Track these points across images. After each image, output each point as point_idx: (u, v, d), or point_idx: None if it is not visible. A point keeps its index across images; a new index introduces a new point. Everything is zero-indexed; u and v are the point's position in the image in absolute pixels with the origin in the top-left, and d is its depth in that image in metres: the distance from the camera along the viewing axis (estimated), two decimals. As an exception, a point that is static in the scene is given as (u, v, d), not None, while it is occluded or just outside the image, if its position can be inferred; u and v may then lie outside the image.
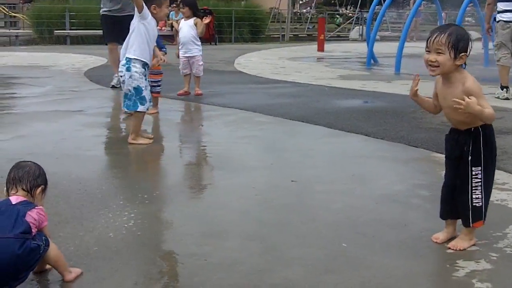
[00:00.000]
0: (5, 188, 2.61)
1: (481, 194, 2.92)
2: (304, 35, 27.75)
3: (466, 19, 17.51)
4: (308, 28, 29.57)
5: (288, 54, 15.88)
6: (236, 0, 28.94)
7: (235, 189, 3.96)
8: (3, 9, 29.86)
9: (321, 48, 17.48)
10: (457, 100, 2.71)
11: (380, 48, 15.01)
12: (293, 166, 4.59)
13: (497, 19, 8.31)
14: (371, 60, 13.07)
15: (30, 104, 7.34)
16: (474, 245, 3.02)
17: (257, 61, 14.14)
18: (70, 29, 20.25)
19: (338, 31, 28.73)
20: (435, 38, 2.80)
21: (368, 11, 16.36)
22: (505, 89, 8.06)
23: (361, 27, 25.03)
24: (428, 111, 3.16)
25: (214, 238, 3.11)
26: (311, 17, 30.79)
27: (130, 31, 5.22)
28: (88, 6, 20.01)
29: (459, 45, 2.77)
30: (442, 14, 17.85)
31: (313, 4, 35.08)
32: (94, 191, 3.81)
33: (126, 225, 3.22)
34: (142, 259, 2.84)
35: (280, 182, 4.15)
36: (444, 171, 3.15)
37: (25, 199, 2.53)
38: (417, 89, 2.98)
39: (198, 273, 2.68)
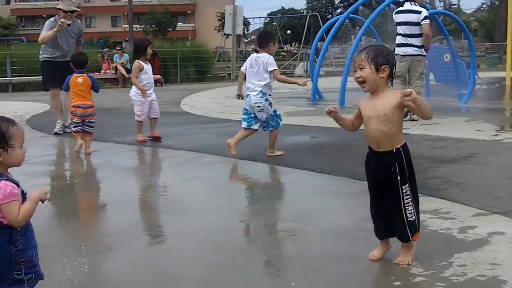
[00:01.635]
0: None
1: (413, 209, 3.12)
2: (250, 73, 28.05)
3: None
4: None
5: (234, 93, 15.89)
6: (181, 41, 29.18)
7: (183, 233, 3.93)
8: None
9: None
10: (405, 90, 2.96)
11: (325, 83, 15.30)
12: (241, 206, 4.59)
13: (395, 52, 8.87)
14: (316, 95, 13.27)
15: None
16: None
17: (203, 100, 14.19)
18: (12, 76, 19.95)
19: (283, 68, 29.17)
20: (357, 57, 3.08)
21: (311, 48, 16.69)
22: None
23: (305, 63, 25.48)
24: (345, 128, 3.40)
25: (164, 285, 3.07)
26: (256, 55, 31.18)
27: (257, 68, 6.37)
28: (29, 52, 19.80)
29: (378, 59, 3.01)
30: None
31: (257, 43, 35.52)
32: (38, 241, 3.70)
33: (71, 275, 3.14)
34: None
35: (228, 223, 4.14)
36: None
37: None
38: (334, 110, 3.18)
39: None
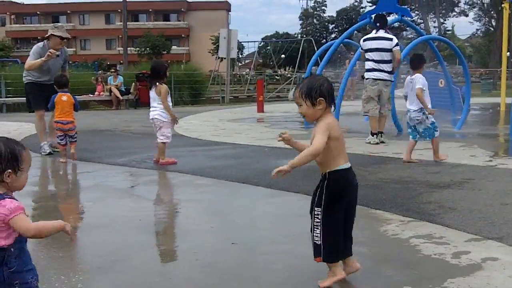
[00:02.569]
0: None
1: (320, 233, 3.16)
2: (244, 97, 28.20)
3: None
4: (248, 89, 30.04)
5: (228, 116, 16.05)
6: (176, 64, 29.27)
7: (176, 255, 3.91)
8: None
9: (260, 109, 17.73)
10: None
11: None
12: (234, 228, 4.57)
13: (366, 77, 9.70)
14: (310, 119, 13.27)
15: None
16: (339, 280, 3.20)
17: (197, 123, 14.19)
18: (6, 97, 19.93)
19: (277, 92, 29.33)
20: (293, 94, 3.20)
21: (305, 72, 16.80)
22: (374, 136, 9.44)
23: (299, 87, 25.59)
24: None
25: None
26: (250, 79, 31.33)
27: (411, 86, 7.45)
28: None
29: (312, 93, 3.10)
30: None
31: (252, 66, 35.78)
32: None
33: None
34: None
35: (221, 245, 4.11)
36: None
37: None
38: (286, 137, 3.25)
39: None
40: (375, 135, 9.46)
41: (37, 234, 2.35)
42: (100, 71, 29.99)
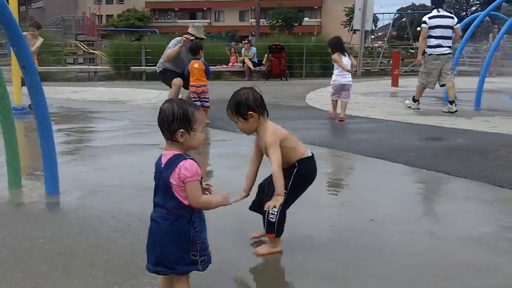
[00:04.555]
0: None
1: (277, 212, 3.25)
2: (376, 70, 27.48)
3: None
4: (381, 62, 29.27)
5: (360, 89, 15.67)
6: (307, 36, 29.13)
7: (311, 226, 3.86)
8: (83, 46, 31.26)
9: (395, 83, 17.21)
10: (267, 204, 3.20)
11: (457, 83, 14.61)
12: (370, 205, 4.45)
13: (428, 52, 10.40)
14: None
15: (109, 137, 7.52)
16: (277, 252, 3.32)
17: (329, 96, 14.01)
18: (146, 66, 20.89)
19: (412, 66, 28.33)
20: (227, 113, 3.27)
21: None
22: (417, 102, 10.85)
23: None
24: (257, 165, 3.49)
25: (289, 275, 3.05)
26: (383, 52, 30.47)
27: None
28: (162, 44, 20.56)
29: (240, 110, 3.19)
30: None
31: (386, 39, 34.79)
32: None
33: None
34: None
35: (358, 221, 4.02)
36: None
37: (173, 152, 2.41)
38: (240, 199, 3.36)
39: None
40: (417, 102, 10.86)
41: (203, 207, 2.44)
42: (233, 42, 30.50)
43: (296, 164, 3.32)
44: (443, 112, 10.15)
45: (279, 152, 3.19)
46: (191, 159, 2.40)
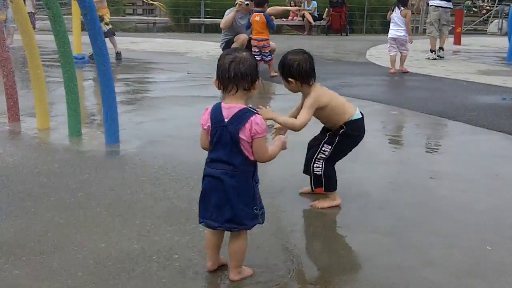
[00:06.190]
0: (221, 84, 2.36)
1: (322, 165, 3.35)
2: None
3: None
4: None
5: (421, 47, 15.23)
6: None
7: (369, 182, 3.85)
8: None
9: (457, 41, 16.68)
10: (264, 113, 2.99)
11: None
12: (430, 163, 4.39)
13: (429, 4, 12.01)
14: (512, 55, 12.27)
15: (167, 88, 7.62)
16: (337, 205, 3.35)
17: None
18: (205, 18, 20.87)
19: (475, 25, 27.35)
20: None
21: (509, 4, 15.38)
22: (433, 52, 11.85)
23: (500, 20, 23.56)
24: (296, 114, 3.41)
25: (346, 230, 3.07)
26: (447, 9, 29.46)
27: None
28: (221, -4, 20.51)
29: (284, 74, 3.22)
30: None
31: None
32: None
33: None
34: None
35: (418, 178, 3.98)
36: None
37: (240, 106, 2.32)
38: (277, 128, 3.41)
39: (333, 265, 2.62)
40: (433, 52, 11.83)
41: (269, 160, 2.41)
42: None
43: (343, 125, 3.32)
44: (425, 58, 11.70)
45: (306, 119, 3.17)
46: (259, 114, 2.34)
